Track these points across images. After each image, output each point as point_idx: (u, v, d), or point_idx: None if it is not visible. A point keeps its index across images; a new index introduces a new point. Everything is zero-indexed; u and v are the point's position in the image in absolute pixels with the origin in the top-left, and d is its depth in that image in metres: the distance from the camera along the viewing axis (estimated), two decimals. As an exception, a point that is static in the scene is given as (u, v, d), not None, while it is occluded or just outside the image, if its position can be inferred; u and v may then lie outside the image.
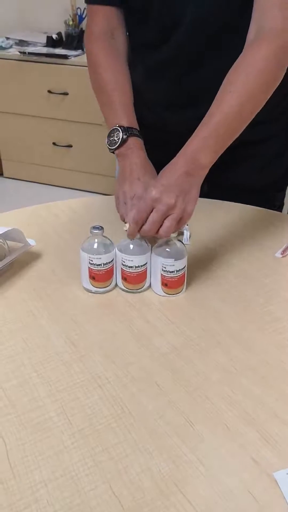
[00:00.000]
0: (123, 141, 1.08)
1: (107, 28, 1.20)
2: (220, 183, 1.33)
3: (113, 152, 1.11)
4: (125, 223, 0.98)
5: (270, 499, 0.63)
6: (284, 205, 1.47)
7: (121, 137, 1.08)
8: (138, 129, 1.12)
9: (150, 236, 0.96)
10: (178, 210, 0.93)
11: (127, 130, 1.09)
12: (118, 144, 1.08)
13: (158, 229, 0.94)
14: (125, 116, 1.11)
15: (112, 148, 1.10)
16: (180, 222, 0.95)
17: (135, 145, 1.09)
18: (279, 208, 1.43)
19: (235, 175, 1.33)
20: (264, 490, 0.64)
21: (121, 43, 1.22)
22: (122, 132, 1.08)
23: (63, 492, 0.63)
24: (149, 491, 0.63)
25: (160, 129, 1.23)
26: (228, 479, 0.65)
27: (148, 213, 0.93)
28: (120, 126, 1.09)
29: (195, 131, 0.99)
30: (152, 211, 0.93)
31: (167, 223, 0.93)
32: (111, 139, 1.10)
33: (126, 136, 1.08)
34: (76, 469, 0.66)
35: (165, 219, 0.93)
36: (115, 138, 1.08)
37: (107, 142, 1.11)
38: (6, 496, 0.62)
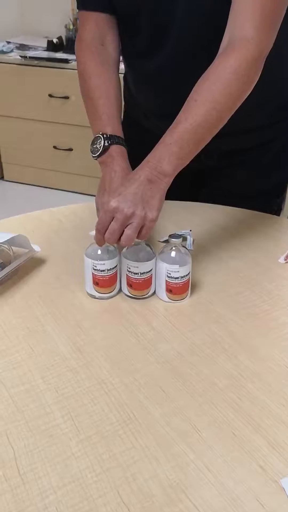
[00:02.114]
0: (105, 149, 1.07)
1: (97, 35, 1.18)
2: (217, 190, 1.34)
3: (96, 159, 1.10)
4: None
5: (277, 506, 0.63)
6: (284, 210, 1.47)
7: (102, 145, 1.06)
8: (123, 137, 1.10)
9: (116, 244, 0.96)
10: (137, 219, 0.92)
11: (109, 138, 1.07)
12: (99, 152, 1.07)
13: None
14: (109, 124, 1.10)
15: (95, 156, 1.08)
16: (144, 229, 0.94)
17: (117, 153, 1.07)
18: (277, 212, 1.44)
19: (232, 181, 1.34)
20: (271, 497, 0.64)
21: (112, 50, 1.19)
22: (104, 140, 1.07)
23: (72, 499, 0.63)
24: (157, 498, 0.64)
25: (158, 134, 1.25)
26: (235, 486, 0.65)
27: (108, 223, 0.93)
28: (103, 134, 1.08)
29: (161, 139, 0.99)
30: (112, 220, 0.93)
31: (127, 231, 0.92)
32: (93, 146, 1.09)
33: (108, 144, 1.07)
34: (84, 476, 0.66)
35: (126, 227, 0.93)
36: (98, 146, 1.07)
37: (90, 150, 1.09)
38: (16, 503, 0.62)
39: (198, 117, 0.97)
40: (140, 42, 1.18)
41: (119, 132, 1.09)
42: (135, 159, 1.14)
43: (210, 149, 1.15)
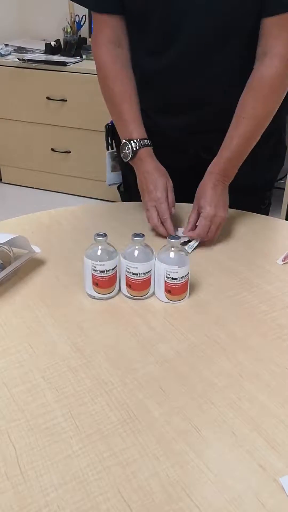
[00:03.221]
0: (134, 154, 1.21)
1: (114, 38, 1.23)
2: None
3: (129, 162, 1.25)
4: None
5: (277, 504, 0.64)
6: (282, 211, 1.49)
7: (131, 151, 1.21)
8: (147, 137, 1.22)
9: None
10: (219, 219, 1.17)
11: (136, 143, 1.21)
12: (130, 157, 1.21)
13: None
14: (134, 129, 1.22)
15: (127, 160, 1.23)
16: (219, 227, 1.19)
17: (145, 155, 1.21)
18: (268, 206, 1.47)
19: None
20: (270, 495, 0.65)
21: (127, 51, 1.25)
22: (132, 146, 1.21)
23: (73, 497, 0.63)
24: (157, 496, 0.64)
25: (154, 132, 1.27)
26: (235, 484, 0.66)
27: (208, 227, 1.16)
28: (129, 140, 1.21)
29: (219, 151, 1.19)
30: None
31: (213, 228, 1.18)
32: (124, 152, 1.23)
33: (136, 148, 1.21)
34: (85, 473, 0.66)
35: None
36: (127, 152, 1.22)
37: (121, 155, 1.24)
38: (17, 500, 0.63)
39: (247, 133, 1.18)
40: (151, 39, 1.21)
41: (144, 134, 1.22)
42: None
43: (209, 143, 1.20)
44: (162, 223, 1.18)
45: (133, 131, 1.22)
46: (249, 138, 1.19)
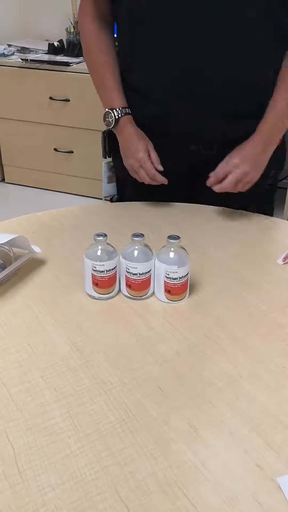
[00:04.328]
0: (117, 122, 1.29)
1: (100, 13, 1.30)
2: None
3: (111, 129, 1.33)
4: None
5: (274, 504, 0.64)
6: (284, 211, 1.49)
7: (114, 119, 1.29)
8: (127, 105, 1.30)
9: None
10: (248, 178, 1.23)
11: (118, 112, 1.29)
12: (113, 125, 1.30)
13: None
14: (116, 97, 1.30)
15: (110, 127, 1.31)
16: (246, 186, 1.24)
17: (126, 122, 1.29)
18: (271, 206, 1.46)
19: None
20: (268, 495, 0.65)
21: (111, 27, 1.33)
22: (114, 114, 1.28)
23: (70, 496, 0.64)
24: (155, 496, 0.64)
25: (156, 132, 1.28)
26: (232, 484, 0.66)
27: (235, 183, 1.23)
28: (112, 109, 1.29)
29: (265, 114, 1.23)
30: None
31: (240, 185, 1.24)
32: (106, 120, 1.31)
33: (118, 116, 1.29)
34: (83, 473, 0.67)
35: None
36: (109, 120, 1.30)
37: (105, 123, 1.32)
38: (15, 500, 0.63)
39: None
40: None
41: (125, 103, 1.30)
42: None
43: (209, 139, 1.21)
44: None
45: (115, 99, 1.29)
46: None
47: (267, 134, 1.24)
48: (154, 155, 1.27)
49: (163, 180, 1.27)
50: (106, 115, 1.30)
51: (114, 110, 1.29)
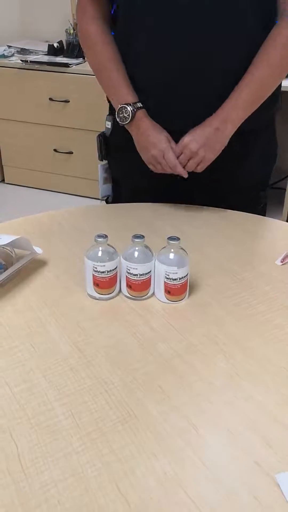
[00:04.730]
0: (133, 116, 1.28)
1: (100, 13, 1.31)
2: (207, 185, 1.38)
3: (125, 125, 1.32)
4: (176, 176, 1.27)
5: (272, 501, 0.65)
6: (283, 213, 1.50)
7: (130, 113, 1.28)
8: (139, 100, 1.29)
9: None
10: (198, 158, 1.24)
11: (133, 107, 1.28)
12: (129, 120, 1.29)
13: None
14: (128, 93, 1.29)
15: (125, 123, 1.30)
16: (199, 166, 1.26)
17: (142, 115, 1.29)
18: (264, 206, 1.48)
19: (223, 176, 1.38)
20: (266, 492, 0.66)
21: (109, 27, 1.33)
22: (129, 109, 1.28)
23: (72, 492, 0.65)
24: (154, 491, 0.66)
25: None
26: (231, 481, 0.67)
27: (180, 153, 1.26)
28: (127, 104, 1.28)
29: (230, 94, 1.22)
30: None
31: (189, 164, 1.27)
32: (121, 115, 1.30)
33: (134, 111, 1.28)
34: (85, 470, 0.68)
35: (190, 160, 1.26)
36: (125, 115, 1.29)
37: (119, 120, 1.30)
38: (18, 496, 0.65)
39: (257, 79, 1.22)
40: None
41: (137, 98, 1.29)
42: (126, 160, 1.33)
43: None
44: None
45: (128, 95, 1.29)
46: (259, 85, 1.23)
47: (224, 112, 1.23)
48: (175, 145, 1.28)
49: (182, 171, 1.27)
50: (120, 111, 1.30)
51: (129, 106, 1.28)
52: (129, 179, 1.47)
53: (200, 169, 1.28)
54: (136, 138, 1.31)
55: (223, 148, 1.26)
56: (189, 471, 0.69)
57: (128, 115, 1.28)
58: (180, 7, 1.18)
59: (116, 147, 1.44)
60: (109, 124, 1.43)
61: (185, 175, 1.28)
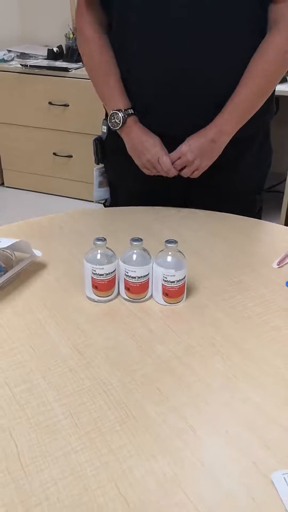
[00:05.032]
0: (124, 122, 1.31)
1: (97, 19, 1.33)
2: (203, 190, 1.39)
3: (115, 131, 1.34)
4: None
5: (268, 500, 0.66)
6: (281, 216, 1.51)
7: (121, 119, 1.31)
8: (131, 107, 1.32)
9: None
10: (194, 166, 1.29)
11: (124, 113, 1.31)
12: (120, 125, 1.32)
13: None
14: (121, 99, 1.32)
15: (116, 128, 1.33)
16: (194, 172, 1.31)
17: (133, 122, 1.32)
18: (260, 210, 1.49)
19: (218, 180, 1.39)
20: (262, 491, 0.67)
21: (106, 34, 1.35)
22: (121, 115, 1.31)
23: (71, 490, 0.66)
24: (153, 491, 0.67)
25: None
26: (228, 481, 0.68)
27: (173, 161, 1.29)
28: (118, 110, 1.31)
29: (224, 107, 1.25)
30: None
31: (185, 170, 1.31)
32: (112, 121, 1.33)
33: (125, 117, 1.31)
34: (84, 469, 0.69)
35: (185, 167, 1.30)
36: (117, 121, 1.32)
37: (110, 125, 1.33)
38: (18, 494, 0.66)
39: (253, 89, 1.25)
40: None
41: (129, 104, 1.33)
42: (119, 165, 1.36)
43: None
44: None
45: (120, 101, 1.32)
46: (254, 96, 1.26)
47: (220, 124, 1.26)
48: (166, 150, 1.31)
49: (176, 173, 1.31)
50: (112, 116, 1.32)
51: (120, 112, 1.31)
52: (125, 182, 1.48)
53: (195, 175, 1.32)
54: (128, 143, 1.34)
55: (218, 156, 1.30)
56: (188, 471, 0.70)
57: (120, 121, 1.31)
58: (179, 7, 1.19)
59: (112, 150, 1.45)
60: (105, 128, 1.45)
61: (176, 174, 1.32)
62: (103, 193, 1.55)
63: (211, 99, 1.26)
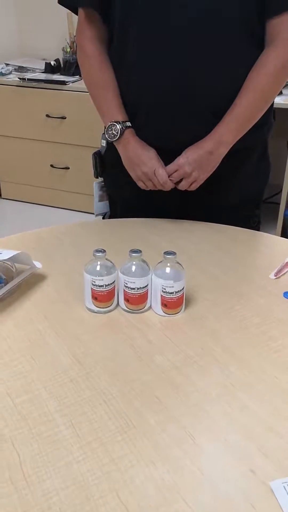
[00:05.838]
0: (121, 134, 1.33)
1: (98, 35, 1.36)
2: (201, 203, 1.41)
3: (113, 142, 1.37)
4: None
5: (267, 507, 0.67)
6: (277, 223, 1.53)
7: (118, 131, 1.33)
8: (128, 120, 1.35)
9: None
10: (191, 178, 1.30)
11: (122, 125, 1.33)
12: (117, 137, 1.34)
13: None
14: (120, 113, 1.34)
15: (113, 140, 1.35)
16: (192, 185, 1.32)
17: (130, 134, 1.34)
18: (258, 224, 1.51)
19: (216, 194, 1.41)
20: (261, 499, 0.68)
21: (106, 49, 1.37)
22: (118, 127, 1.33)
23: (73, 500, 0.67)
24: (153, 499, 0.68)
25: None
26: (227, 488, 0.69)
27: (174, 171, 1.31)
28: (116, 122, 1.33)
29: (222, 118, 1.27)
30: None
31: (182, 183, 1.32)
32: (110, 132, 1.35)
33: (123, 129, 1.34)
34: (86, 478, 0.70)
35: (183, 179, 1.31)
36: (114, 132, 1.34)
37: (107, 136, 1.36)
38: (21, 504, 0.67)
39: (252, 101, 1.27)
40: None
41: (126, 118, 1.35)
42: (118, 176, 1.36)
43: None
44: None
45: (118, 114, 1.34)
46: (252, 107, 1.28)
47: (218, 135, 1.28)
48: (162, 163, 1.32)
49: (172, 186, 1.33)
50: (109, 128, 1.34)
51: (118, 123, 1.33)
52: (124, 196, 1.50)
53: (193, 188, 1.33)
54: (124, 156, 1.36)
55: (215, 168, 1.31)
56: (187, 479, 0.71)
57: (117, 132, 1.33)
58: (179, 18, 1.21)
59: (111, 164, 1.47)
60: (104, 142, 1.47)
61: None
62: (103, 206, 1.57)
63: (209, 109, 1.28)
